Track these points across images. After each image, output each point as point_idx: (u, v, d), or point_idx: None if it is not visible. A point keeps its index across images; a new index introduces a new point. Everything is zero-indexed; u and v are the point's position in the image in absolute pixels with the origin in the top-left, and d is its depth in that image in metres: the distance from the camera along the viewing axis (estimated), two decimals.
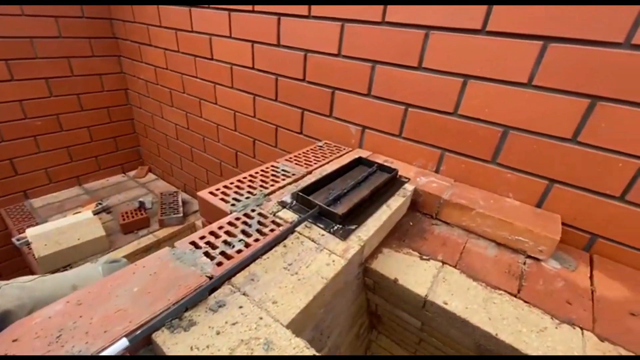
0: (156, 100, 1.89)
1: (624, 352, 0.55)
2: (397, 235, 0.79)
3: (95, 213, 1.70)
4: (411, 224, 0.84)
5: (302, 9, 1.03)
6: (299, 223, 0.65)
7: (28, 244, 1.40)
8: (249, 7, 1.17)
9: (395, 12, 0.86)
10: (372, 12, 0.89)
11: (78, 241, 1.44)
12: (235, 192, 0.76)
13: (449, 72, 0.83)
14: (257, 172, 0.87)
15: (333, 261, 0.58)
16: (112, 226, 1.72)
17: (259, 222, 0.65)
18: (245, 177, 0.84)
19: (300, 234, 0.64)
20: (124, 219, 1.68)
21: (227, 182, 0.80)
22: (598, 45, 0.64)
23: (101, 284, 0.48)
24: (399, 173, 0.91)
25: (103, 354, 0.38)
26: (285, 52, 1.14)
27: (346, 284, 0.66)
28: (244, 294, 0.50)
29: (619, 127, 0.66)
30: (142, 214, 1.72)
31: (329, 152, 1.04)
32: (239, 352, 0.41)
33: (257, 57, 1.24)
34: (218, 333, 0.43)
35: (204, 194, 0.75)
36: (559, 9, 0.65)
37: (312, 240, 0.62)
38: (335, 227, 0.66)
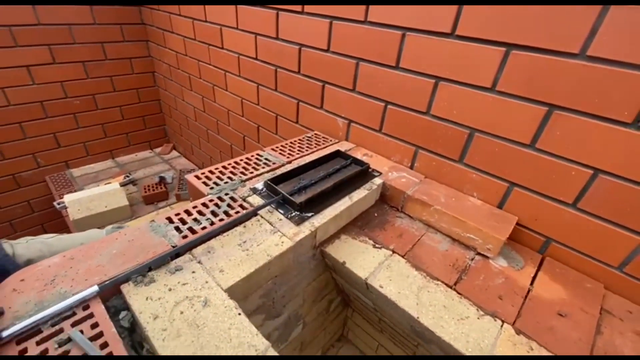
0: (178, 83, 2.04)
1: (535, 346, 0.60)
2: (359, 224, 0.87)
3: (123, 184, 1.91)
4: (376, 214, 0.91)
5: (296, 6, 1.08)
6: (260, 208, 0.75)
7: (65, 207, 1.64)
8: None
9: (376, 12, 0.89)
10: (356, 11, 0.93)
11: (105, 208, 1.65)
12: (217, 177, 0.87)
13: (423, 73, 0.86)
14: (241, 159, 0.97)
15: (282, 242, 0.67)
16: (136, 197, 1.93)
17: (228, 205, 0.76)
18: (229, 164, 0.94)
19: (262, 217, 0.74)
20: (145, 192, 1.89)
21: (212, 167, 0.91)
22: (556, 54, 0.65)
23: (91, 245, 0.62)
24: (375, 167, 0.97)
25: (79, 295, 0.50)
26: (283, 45, 1.21)
27: (299, 263, 0.75)
28: (199, 262, 0.61)
29: (573, 136, 0.68)
30: (161, 188, 1.92)
31: (315, 143, 1.12)
32: (182, 305, 0.53)
33: (260, 48, 1.32)
34: (170, 290, 0.55)
35: (190, 176, 0.87)
36: (522, 16, 0.66)
37: (270, 224, 0.72)
38: (293, 214, 0.75)
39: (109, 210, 1.66)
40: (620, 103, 0.61)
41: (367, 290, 0.74)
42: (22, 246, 0.80)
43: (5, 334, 0.44)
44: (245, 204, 0.77)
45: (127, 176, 2.08)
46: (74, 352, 0.44)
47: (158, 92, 2.35)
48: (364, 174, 0.92)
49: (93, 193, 1.67)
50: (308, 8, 1.05)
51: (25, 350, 0.44)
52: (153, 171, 2.23)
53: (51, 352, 0.44)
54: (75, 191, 1.88)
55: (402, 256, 0.78)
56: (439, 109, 0.87)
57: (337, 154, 1.00)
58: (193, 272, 0.59)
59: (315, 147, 1.09)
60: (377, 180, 0.90)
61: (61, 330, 0.47)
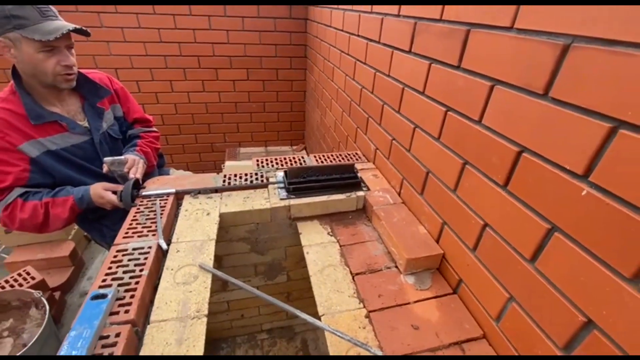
0: (313, 102, 2.73)
1: (369, 328, 0.79)
2: (333, 218, 1.18)
3: None
4: (351, 217, 1.19)
5: (361, 60, 1.46)
6: (270, 184, 1.21)
7: (222, 169, 2.60)
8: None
9: (394, 71, 1.17)
10: (385, 68, 1.23)
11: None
12: (267, 163, 1.39)
13: (409, 119, 1.08)
14: (290, 157, 1.45)
15: (264, 204, 1.11)
16: None
17: (257, 177, 1.26)
18: (279, 157, 1.44)
19: (267, 189, 1.20)
20: None
21: (269, 157, 1.44)
22: (467, 119, 0.79)
23: (187, 176, 1.26)
24: (373, 185, 1.24)
25: (167, 191, 1.13)
26: (355, 84, 1.60)
27: (277, 224, 1.16)
28: (220, 198, 1.14)
29: (473, 189, 0.79)
30: None
31: (346, 159, 1.46)
32: (199, 211, 1.06)
33: (347, 87, 1.75)
34: (200, 203, 1.10)
35: (253, 160, 1.42)
36: (454, 90, 0.83)
37: (268, 194, 1.17)
38: (283, 194, 1.17)
39: None
40: (498, 167, 0.71)
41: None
42: (172, 172, 1.59)
43: (142, 193, 1.10)
44: (264, 180, 1.25)
45: None
46: (154, 207, 1.05)
47: (305, 105, 3.15)
48: (353, 185, 1.21)
49: (238, 164, 2.57)
50: (358, 66, 1.42)
51: (142, 200, 1.09)
52: None
53: (149, 205, 1.07)
54: (235, 160, 2.88)
55: (340, 246, 1.05)
56: (414, 149, 1.06)
57: (346, 167, 1.32)
58: (214, 200, 1.12)
59: (345, 161, 1.44)
60: (360, 193, 1.19)
61: (155, 200, 1.10)
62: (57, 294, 1.43)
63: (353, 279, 0.93)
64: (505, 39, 0.66)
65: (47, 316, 1.13)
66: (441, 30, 0.86)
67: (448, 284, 0.92)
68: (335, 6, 1.81)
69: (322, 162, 1.42)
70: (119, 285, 0.78)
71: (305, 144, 3.29)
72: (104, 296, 0.72)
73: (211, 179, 1.24)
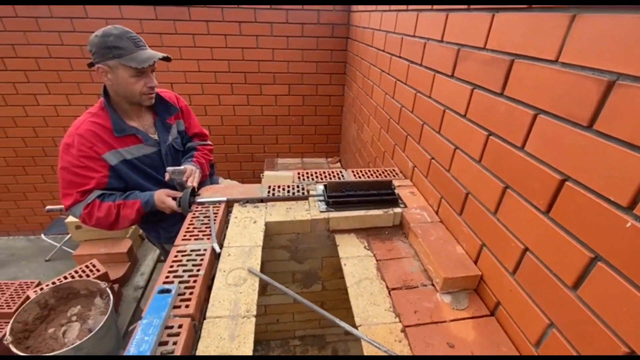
0: (349, 117, 2.81)
1: (405, 343, 0.82)
2: (370, 233, 1.23)
3: None
4: (387, 232, 1.23)
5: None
6: (310, 196, 1.28)
7: (261, 178, 2.74)
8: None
9: (436, 92, 1.21)
10: (426, 89, 1.27)
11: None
12: (307, 176, 1.47)
13: (449, 140, 1.11)
14: (328, 171, 1.52)
15: (305, 216, 1.19)
16: None
17: (298, 190, 1.34)
18: (318, 170, 1.52)
19: (308, 201, 1.27)
20: None
21: (309, 171, 1.52)
22: (507, 142, 0.82)
23: (232, 185, 1.37)
24: (410, 202, 1.28)
25: (219, 199, 1.24)
26: (394, 103, 1.65)
27: (316, 235, 1.23)
28: (265, 207, 1.23)
29: (514, 212, 0.81)
30: None
31: (384, 175, 1.51)
32: (247, 218, 1.16)
33: (386, 105, 1.81)
34: (247, 211, 1.20)
35: (294, 171, 1.51)
36: (494, 112, 0.86)
37: (309, 206, 1.25)
38: (323, 206, 1.24)
39: None
40: (540, 193, 0.73)
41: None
42: (221, 180, 1.72)
43: (197, 200, 1.22)
44: (305, 192, 1.33)
45: None
46: (208, 213, 1.16)
47: (341, 120, 3.23)
48: (390, 201, 1.25)
49: (276, 174, 2.69)
50: (398, 85, 1.47)
51: (197, 207, 1.21)
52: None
53: (203, 211, 1.18)
54: (273, 170, 3.01)
55: (377, 260, 1.09)
56: (454, 169, 1.09)
57: (384, 183, 1.36)
58: (260, 210, 1.22)
59: (383, 177, 1.48)
60: (397, 209, 1.22)
61: (208, 207, 1.21)
62: (115, 286, 1.60)
63: (389, 293, 0.97)
64: (550, 71, 0.69)
65: (111, 305, 1.28)
66: (484, 58, 0.90)
67: (485, 306, 0.93)
68: (378, 27, 1.89)
69: (359, 177, 1.48)
70: (180, 282, 0.88)
71: (340, 156, 3.37)
72: (168, 291, 0.82)
73: (257, 189, 1.34)
